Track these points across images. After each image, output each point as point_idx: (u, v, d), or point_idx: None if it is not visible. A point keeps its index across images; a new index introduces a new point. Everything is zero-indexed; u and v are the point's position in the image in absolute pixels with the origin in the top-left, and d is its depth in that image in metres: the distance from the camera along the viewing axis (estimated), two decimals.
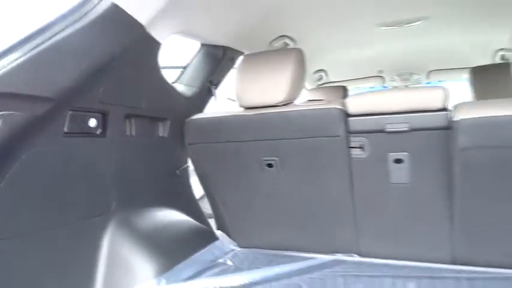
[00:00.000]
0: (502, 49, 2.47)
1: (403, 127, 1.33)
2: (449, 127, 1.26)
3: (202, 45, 1.86)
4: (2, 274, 1.00)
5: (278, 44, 2.17)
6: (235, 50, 1.96)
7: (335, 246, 1.60)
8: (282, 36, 2.11)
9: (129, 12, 1.15)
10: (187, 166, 1.82)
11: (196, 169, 1.75)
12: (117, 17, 1.12)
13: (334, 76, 3.21)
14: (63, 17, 1.02)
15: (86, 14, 1.05)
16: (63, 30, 0.98)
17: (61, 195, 1.16)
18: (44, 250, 1.12)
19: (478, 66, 2.33)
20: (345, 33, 2.21)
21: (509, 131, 1.16)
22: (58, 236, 1.16)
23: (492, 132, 1.18)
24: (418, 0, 1.74)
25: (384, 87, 3.63)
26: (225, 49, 1.89)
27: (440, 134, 1.29)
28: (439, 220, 1.41)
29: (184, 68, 1.87)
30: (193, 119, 1.65)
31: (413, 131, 1.33)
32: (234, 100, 1.66)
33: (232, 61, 1.99)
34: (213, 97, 1.94)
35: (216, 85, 1.94)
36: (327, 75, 3.19)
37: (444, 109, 1.30)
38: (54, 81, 1.00)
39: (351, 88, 3.39)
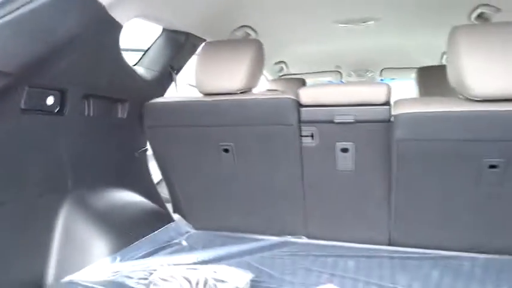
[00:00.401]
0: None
1: (349, 119, 1.44)
2: (389, 120, 1.39)
3: (164, 30, 1.88)
4: None
5: (239, 34, 2.22)
6: (198, 36, 1.99)
7: (285, 229, 1.70)
8: (243, 26, 2.17)
9: None
10: (146, 149, 1.85)
11: (155, 152, 1.79)
12: None
13: (294, 68, 3.31)
14: None
15: None
16: (23, 5, 0.98)
17: (16, 171, 1.16)
18: None
19: (424, 67, 2.52)
20: (304, 27, 2.30)
21: (438, 126, 1.30)
22: (12, 212, 1.17)
23: (424, 126, 1.31)
24: (369, 1, 1.86)
25: (341, 81, 3.80)
26: (187, 35, 1.92)
27: (381, 126, 1.42)
28: (378, 205, 1.55)
29: (146, 51, 1.89)
30: (153, 102, 1.68)
31: (358, 122, 1.44)
32: (194, 86, 1.71)
33: (194, 47, 2.02)
34: (173, 82, 1.97)
35: (177, 70, 1.96)
36: (287, 67, 3.28)
37: (386, 104, 1.42)
38: (12, 56, 1.00)
39: (311, 81, 3.52)
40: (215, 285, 1.09)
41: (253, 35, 2.28)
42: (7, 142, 1.12)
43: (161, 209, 1.84)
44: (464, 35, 1.28)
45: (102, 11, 1.26)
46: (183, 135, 1.67)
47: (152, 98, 1.71)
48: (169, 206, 1.96)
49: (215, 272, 1.16)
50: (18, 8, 0.98)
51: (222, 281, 1.12)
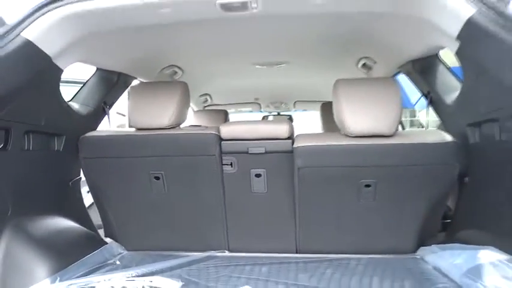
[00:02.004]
0: None
1: (261, 150, 1.78)
2: (292, 151, 1.75)
3: (98, 69, 2.08)
4: None
5: (168, 72, 2.49)
6: (129, 75, 2.22)
7: (210, 245, 1.96)
8: (171, 65, 2.44)
9: (41, 46, 1.36)
10: (80, 178, 2.00)
11: (89, 181, 1.94)
12: (29, 51, 1.32)
13: (218, 100, 3.64)
14: None
15: (1, 47, 1.23)
16: None
17: None
18: None
19: (327, 102, 3.00)
20: (226, 66, 2.64)
21: (327, 155, 1.69)
22: None
23: (317, 156, 1.69)
24: (280, 50, 2.26)
25: (261, 111, 4.22)
26: (119, 74, 2.14)
27: (286, 156, 1.77)
28: (286, 220, 1.89)
29: (81, 88, 2.06)
30: (88, 136, 1.86)
31: (267, 153, 1.79)
32: (123, 115, 1.92)
33: (125, 85, 2.24)
34: (106, 116, 2.16)
35: (110, 106, 2.16)
36: (211, 98, 3.60)
37: (289, 138, 1.79)
38: None
39: (233, 111, 3.88)
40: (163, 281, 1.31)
41: (179, 72, 2.56)
42: None
43: (93, 233, 1.99)
44: (343, 87, 1.71)
45: (48, 61, 1.45)
46: (116, 166, 1.87)
47: (87, 131, 1.89)
48: (100, 232, 2.10)
49: (151, 281, 1.37)
50: None
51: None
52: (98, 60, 1.88)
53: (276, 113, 4.22)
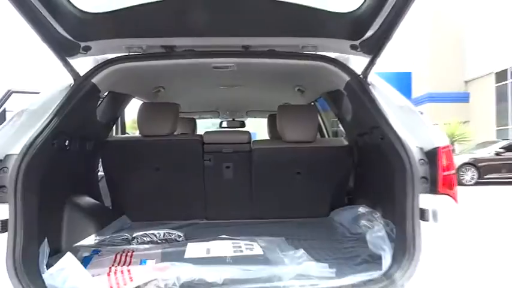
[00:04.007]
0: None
1: (230, 150, 2.71)
2: (250, 151, 2.70)
3: (110, 91, 2.86)
4: None
5: (155, 91, 3.33)
6: (130, 95, 3.04)
7: (194, 215, 2.83)
8: (159, 87, 3.28)
9: (99, 86, 2.18)
10: (98, 170, 2.80)
11: (106, 171, 2.74)
12: (93, 90, 2.14)
13: (187, 108, 4.50)
14: None
15: (79, 91, 2.04)
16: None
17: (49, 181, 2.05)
18: None
19: (272, 114, 3.99)
20: (198, 87, 3.52)
21: (273, 153, 2.66)
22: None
23: (266, 154, 2.66)
24: (240, 78, 3.18)
25: (218, 118, 5.16)
26: (124, 95, 2.95)
27: (246, 154, 2.72)
28: (246, 196, 2.83)
29: (98, 105, 2.84)
30: (110, 140, 2.68)
31: (234, 152, 2.72)
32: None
33: (127, 102, 3.07)
34: (114, 126, 2.96)
35: (118, 118, 2.97)
36: (181, 108, 4.45)
37: (248, 143, 2.74)
38: None
39: (197, 117, 4.76)
40: (170, 234, 2.19)
41: (162, 90, 3.40)
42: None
43: (110, 208, 2.79)
44: (283, 111, 2.69)
45: (98, 94, 2.26)
46: (128, 161, 2.69)
47: (105, 137, 2.70)
48: None
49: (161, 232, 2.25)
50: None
51: (178, 235, 2.22)
52: (118, 88, 2.69)
53: (231, 119, 5.18)
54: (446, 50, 22.35)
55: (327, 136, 4.07)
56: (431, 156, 1.64)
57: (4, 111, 3.53)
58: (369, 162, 2.55)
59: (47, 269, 1.53)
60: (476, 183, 13.31)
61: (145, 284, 1.42)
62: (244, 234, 2.42)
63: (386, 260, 1.66)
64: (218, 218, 2.85)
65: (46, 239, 1.69)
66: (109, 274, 1.50)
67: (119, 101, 2.92)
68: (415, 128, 1.76)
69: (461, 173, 13.42)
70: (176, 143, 2.69)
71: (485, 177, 13.51)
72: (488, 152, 14.11)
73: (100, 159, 2.75)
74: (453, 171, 1.68)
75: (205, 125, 6.46)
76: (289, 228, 2.61)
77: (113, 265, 1.70)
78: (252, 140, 2.82)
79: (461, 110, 21.40)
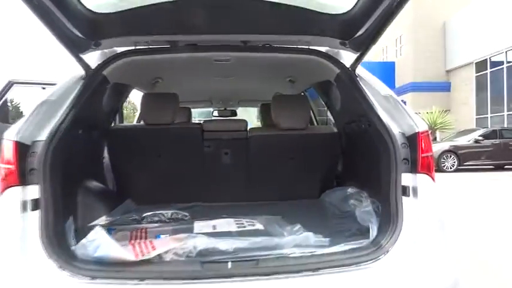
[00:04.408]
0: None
1: (228, 137, 2.91)
2: (247, 138, 2.91)
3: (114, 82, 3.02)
4: None
5: (154, 82, 3.50)
6: (130, 85, 3.20)
7: (193, 197, 3.04)
8: (158, 77, 3.45)
9: (109, 78, 2.34)
10: (103, 156, 2.96)
11: (112, 157, 2.91)
12: (103, 81, 2.30)
13: (182, 98, 4.66)
14: None
15: (90, 83, 2.20)
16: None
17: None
18: None
19: (266, 103, 4.20)
20: (196, 79, 3.70)
21: (268, 140, 2.87)
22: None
23: (262, 141, 2.87)
24: (234, 69, 3.37)
25: (211, 107, 5.35)
26: (127, 86, 3.11)
27: (243, 141, 2.93)
28: (243, 180, 3.04)
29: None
30: (114, 128, 2.84)
31: (232, 139, 2.93)
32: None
33: (127, 92, 3.22)
34: (117, 115, 3.12)
35: (120, 107, 3.13)
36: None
37: (245, 130, 2.94)
38: None
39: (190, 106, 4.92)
40: (177, 214, 2.39)
41: (160, 81, 3.57)
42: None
43: (115, 192, 2.98)
44: (277, 100, 2.90)
45: (107, 85, 2.43)
46: (132, 147, 2.87)
47: (108, 125, 2.87)
48: None
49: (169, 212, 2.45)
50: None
51: (184, 215, 2.43)
52: (123, 79, 2.85)
53: (223, 108, 5.37)
54: (428, 40, 22.86)
55: (315, 123, 4.31)
56: (412, 140, 1.88)
57: (6, 101, 3.65)
58: (356, 147, 2.79)
59: (76, 242, 1.72)
60: (457, 170, 13.86)
61: (166, 252, 1.62)
62: (243, 215, 2.63)
63: (373, 231, 1.91)
64: (217, 200, 3.05)
65: (71, 217, 1.88)
66: (132, 244, 1.71)
67: (121, 92, 3.08)
68: (397, 116, 1.99)
69: (443, 160, 13.95)
70: (177, 131, 2.87)
71: (465, 163, 14.07)
72: (468, 140, 14.65)
73: (105, 147, 2.92)
74: (431, 154, 1.92)
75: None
76: (284, 209, 2.83)
77: (132, 239, 1.90)
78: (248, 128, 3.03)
79: (443, 99, 22.03)
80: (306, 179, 3.05)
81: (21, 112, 4.25)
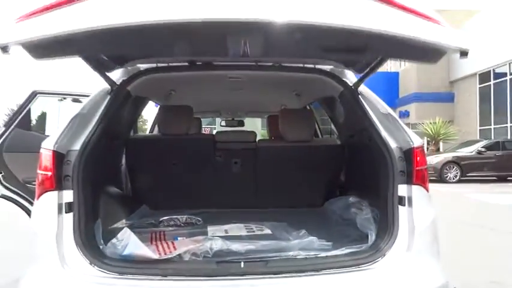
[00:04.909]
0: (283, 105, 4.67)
1: (238, 147, 3.12)
2: (256, 149, 3.11)
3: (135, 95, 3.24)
4: None
5: (168, 94, 3.72)
6: (148, 98, 3.42)
7: (204, 204, 3.23)
8: (171, 90, 3.67)
9: (132, 92, 2.56)
10: (122, 164, 3.18)
11: (129, 165, 3.12)
12: (126, 95, 2.52)
13: (194, 109, 4.90)
14: None
15: (116, 97, 2.42)
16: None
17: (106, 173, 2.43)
18: None
19: (273, 115, 4.41)
20: (206, 93, 3.92)
21: (276, 151, 3.07)
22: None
23: (270, 152, 3.07)
24: (244, 84, 3.59)
25: (220, 117, 5.59)
26: (144, 98, 3.33)
27: (253, 151, 3.13)
28: (252, 188, 3.24)
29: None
30: (133, 138, 3.07)
31: (242, 150, 3.13)
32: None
33: (144, 104, 3.45)
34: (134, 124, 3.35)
35: (138, 117, 3.35)
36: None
37: (254, 141, 3.15)
38: None
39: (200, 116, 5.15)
40: (191, 219, 2.59)
41: (173, 93, 3.79)
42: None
43: (132, 197, 3.18)
44: (285, 114, 3.10)
45: (130, 97, 2.65)
46: (149, 156, 3.08)
47: (128, 135, 3.08)
48: None
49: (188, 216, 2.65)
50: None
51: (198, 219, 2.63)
52: (142, 93, 3.07)
53: (231, 119, 5.59)
54: None
55: (319, 135, 4.52)
56: (408, 154, 2.08)
57: (29, 111, 3.87)
58: (358, 159, 2.98)
59: (103, 241, 1.93)
60: (459, 181, 13.96)
61: (185, 252, 1.82)
62: (251, 221, 2.82)
63: (372, 236, 2.10)
64: (227, 207, 3.25)
65: (99, 219, 2.09)
66: (155, 245, 1.91)
67: (140, 104, 3.30)
68: (395, 131, 2.19)
69: (445, 171, 14.06)
70: (191, 141, 3.09)
71: (467, 174, 14.15)
72: (471, 151, 14.76)
73: (123, 154, 3.13)
74: (425, 167, 2.12)
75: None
76: (290, 216, 3.02)
77: (152, 240, 2.10)
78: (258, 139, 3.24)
79: (447, 109, 22.15)
80: (310, 188, 3.24)
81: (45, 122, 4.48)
